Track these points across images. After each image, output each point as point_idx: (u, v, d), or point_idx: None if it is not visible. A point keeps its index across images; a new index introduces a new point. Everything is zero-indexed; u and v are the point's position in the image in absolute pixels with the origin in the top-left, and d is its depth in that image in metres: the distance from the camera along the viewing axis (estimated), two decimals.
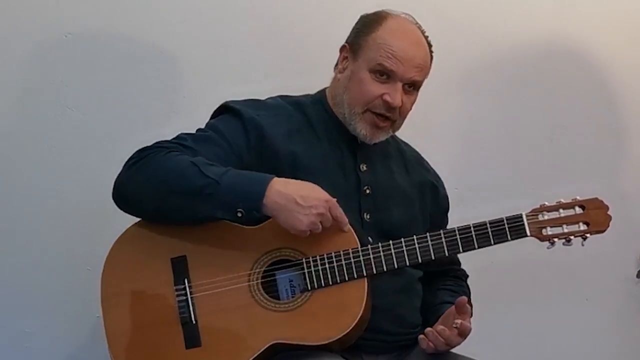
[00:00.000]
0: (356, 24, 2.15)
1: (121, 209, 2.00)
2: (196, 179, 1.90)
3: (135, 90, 2.56)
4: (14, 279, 2.48)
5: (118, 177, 2.00)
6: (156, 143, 2.01)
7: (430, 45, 2.13)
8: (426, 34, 2.13)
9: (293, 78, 2.54)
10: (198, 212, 1.93)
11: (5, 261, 2.48)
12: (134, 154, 2.00)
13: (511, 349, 2.85)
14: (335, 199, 1.93)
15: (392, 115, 2.08)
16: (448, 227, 2.30)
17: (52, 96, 2.51)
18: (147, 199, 1.95)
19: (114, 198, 2.00)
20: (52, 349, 2.50)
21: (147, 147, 2.01)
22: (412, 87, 2.10)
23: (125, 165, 2.00)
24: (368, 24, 2.11)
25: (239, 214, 1.90)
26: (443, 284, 2.24)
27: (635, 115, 2.97)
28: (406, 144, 2.31)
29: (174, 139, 2.04)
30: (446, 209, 2.31)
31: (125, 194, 1.98)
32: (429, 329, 2.01)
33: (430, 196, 2.23)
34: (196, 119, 2.17)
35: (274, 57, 2.65)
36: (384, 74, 2.06)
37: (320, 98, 2.19)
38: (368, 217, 2.10)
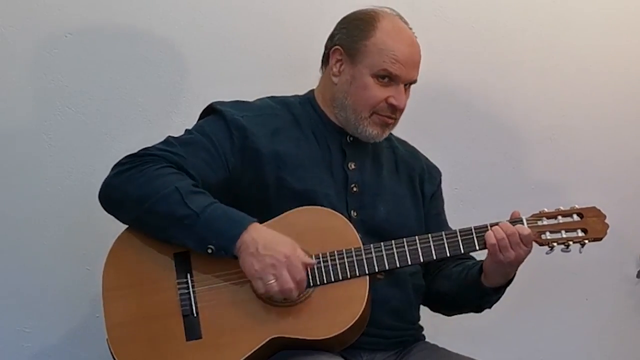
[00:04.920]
0: (343, 26, 2.15)
1: (105, 210, 2.03)
2: (177, 208, 1.92)
3: (135, 90, 2.56)
4: (14, 279, 2.48)
5: (106, 180, 2.02)
6: (146, 150, 2.02)
7: (415, 37, 2.15)
8: (409, 25, 2.16)
9: (294, 78, 2.53)
10: (171, 237, 1.96)
11: (4, 261, 2.48)
12: (123, 160, 2.02)
13: (511, 348, 2.85)
14: (301, 261, 1.90)
15: (396, 115, 2.12)
16: (448, 221, 2.32)
17: (52, 96, 2.50)
18: (129, 210, 1.97)
19: (99, 198, 2.02)
20: (52, 349, 2.50)
21: (137, 154, 2.02)
22: (411, 84, 2.14)
23: (114, 169, 2.02)
24: (361, 27, 2.11)
25: (209, 250, 1.92)
26: (460, 260, 2.23)
27: (635, 115, 2.97)
28: (402, 142, 2.32)
29: (162, 144, 2.05)
30: (432, 193, 2.28)
31: (110, 199, 2.01)
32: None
33: (420, 189, 2.24)
34: (196, 119, 2.17)
35: (275, 58, 2.65)
36: (386, 78, 2.08)
37: (309, 98, 2.20)
38: (355, 214, 2.11)
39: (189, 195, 1.93)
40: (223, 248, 1.91)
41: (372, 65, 2.08)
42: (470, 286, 2.12)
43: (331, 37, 2.17)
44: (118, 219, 2.01)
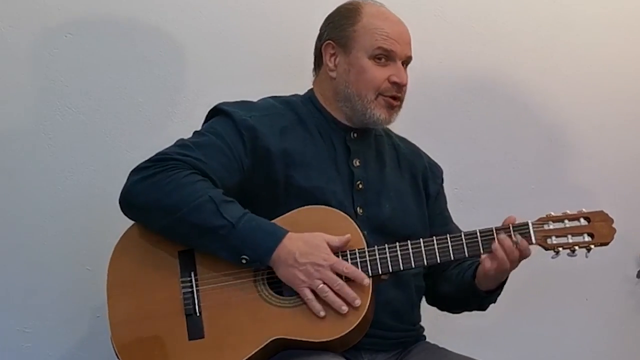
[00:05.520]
0: (328, 22, 2.18)
1: (127, 216, 2.00)
2: (213, 218, 1.91)
3: (135, 90, 2.56)
4: (14, 279, 2.48)
5: (129, 185, 1.98)
6: (166, 155, 1.99)
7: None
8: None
9: (294, 78, 2.53)
10: (203, 246, 1.96)
11: (5, 261, 2.47)
12: (146, 164, 1.98)
13: (511, 348, 2.85)
14: (340, 260, 1.92)
15: (401, 94, 2.13)
16: (447, 216, 2.32)
17: (52, 96, 2.50)
18: (157, 217, 1.96)
19: (121, 205, 1.99)
20: (52, 349, 2.50)
21: (161, 158, 1.98)
22: (406, 64, 2.15)
23: (136, 174, 1.98)
24: (346, 15, 2.14)
25: (243, 261, 1.92)
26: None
27: (635, 115, 2.97)
28: (403, 140, 2.32)
29: (179, 147, 2.02)
30: (436, 193, 2.29)
31: (134, 205, 1.98)
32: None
33: (423, 187, 2.24)
34: (196, 118, 2.17)
35: (275, 58, 2.65)
36: (382, 57, 2.10)
37: (310, 97, 2.21)
38: (361, 211, 2.11)
39: (222, 204, 1.93)
40: (258, 260, 1.91)
41: (365, 47, 2.10)
42: (467, 289, 2.13)
43: (319, 37, 2.19)
44: (144, 224, 1.99)
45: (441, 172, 2.33)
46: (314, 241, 1.93)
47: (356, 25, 2.11)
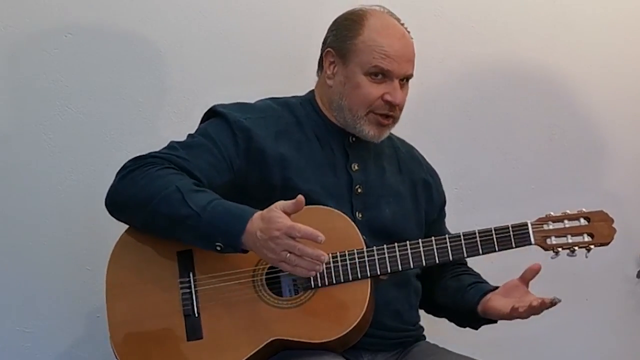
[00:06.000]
0: (333, 27, 2.16)
1: (114, 217, 2.02)
2: (179, 208, 1.90)
3: (135, 90, 2.56)
4: (14, 279, 2.48)
5: (111, 186, 2.01)
6: (149, 154, 2.02)
7: (409, 32, 2.14)
8: (402, 21, 2.15)
9: (293, 78, 2.53)
10: (180, 238, 1.95)
11: (5, 261, 2.47)
12: (127, 163, 2.01)
13: (511, 348, 2.85)
14: (292, 224, 1.85)
15: (394, 113, 2.10)
16: (447, 223, 2.33)
17: (52, 96, 2.50)
18: (135, 213, 1.97)
19: (106, 206, 2.01)
20: (52, 349, 2.50)
21: (140, 157, 2.01)
22: (406, 80, 2.12)
23: (118, 174, 2.01)
24: (349, 26, 2.11)
25: (218, 248, 1.91)
26: (459, 270, 2.25)
27: (635, 115, 2.97)
28: (401, 141, 2.31)
29: (165, 148, 2.04)
30: (442, 204, 2.30)
31: (116, 204, 2.00)
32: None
33: (424, 194, 2.24)
34: (196, 119, 2.17)
35: (274, 58, 2.65)
36: (379, 75, 2.08)
37: (309, 99, 2.20)
38: (360, 215, 2.11)
39: (189, 194, 1.92)
40: (230, 245, 1.90)
41: (362, 63, 2.08)
42: (465, 310, 2.14)
43: (324, 41, 2.18)
44: (129, 224, 2.01)
45: (439, 178, 2.32)
46: (268, 214, 1.87)
47: (357, 39, 2.08)
